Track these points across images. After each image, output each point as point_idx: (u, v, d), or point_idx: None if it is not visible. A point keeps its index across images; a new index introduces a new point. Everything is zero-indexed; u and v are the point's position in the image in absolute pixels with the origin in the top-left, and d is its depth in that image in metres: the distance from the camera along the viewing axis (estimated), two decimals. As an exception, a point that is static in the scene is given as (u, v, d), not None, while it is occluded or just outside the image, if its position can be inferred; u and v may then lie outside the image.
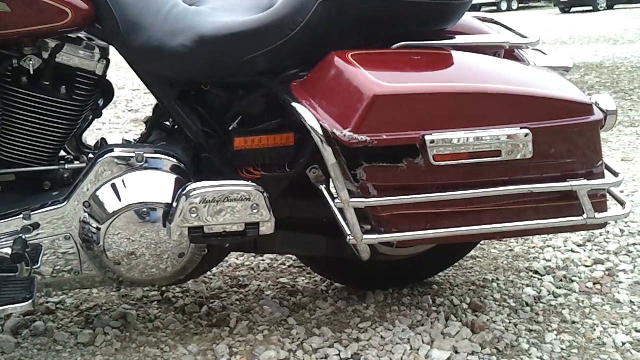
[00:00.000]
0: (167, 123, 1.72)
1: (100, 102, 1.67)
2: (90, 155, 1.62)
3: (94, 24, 1.48)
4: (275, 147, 1.61)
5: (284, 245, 1.75)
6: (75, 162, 1.63)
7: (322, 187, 1.57)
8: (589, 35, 10.37)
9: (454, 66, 1.49)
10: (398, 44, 1.53)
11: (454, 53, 1.52)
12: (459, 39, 1.60)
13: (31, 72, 1.47)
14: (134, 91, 5.71)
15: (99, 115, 1.69)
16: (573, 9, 18.66)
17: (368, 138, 1.34)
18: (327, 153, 1.39)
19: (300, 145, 1.59)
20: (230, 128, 1.61)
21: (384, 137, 1.35)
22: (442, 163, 1.39)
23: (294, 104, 1.45)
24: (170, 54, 1.48)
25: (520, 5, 23.07)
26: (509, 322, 1.76)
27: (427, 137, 1.36)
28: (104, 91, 1.65)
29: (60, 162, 1.61)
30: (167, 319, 1.82)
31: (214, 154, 1.61)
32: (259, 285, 2.04)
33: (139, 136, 1.73)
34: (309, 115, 1.40)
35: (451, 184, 1.45)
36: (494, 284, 2.00)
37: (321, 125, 1.38)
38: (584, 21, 13.65)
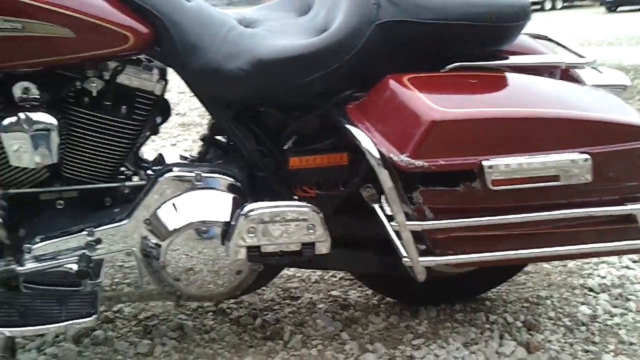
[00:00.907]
0: (223, 140, 1.75)
1: (158, 119, 1.70)
2: (149, 171, 1.66)
3: (153, 47, 1.52)
4: (329, 166, 1.63)
5: (338, 262, 1.77)
6: (134, 178, 1.67)
7: (376, 206, 1.58)
8: (637, 35, 10.12)
9: (511, 89, 1.49)
10: (453, 65, 1.53)
11: (509, 75, 1.52)
12: (514, 59, 1.60)
13: (94, 94, 1.51)
14: (180, 94, 5.76)
15: (157, 132, 1.74)
16: (620, 8, 18.20)
17: (425, 164, 1.35)
18: (384, 177, 1.41)
19: (355, 164, 1.61)
20: (285, 147, 1.64)
21: (442, 162, 1.36)
22: (500, 188, 1.39)
23: (349, 127, 1.47)
24: (228, 77, 1.50)
25: (565, 4, 22.61)
26: (565, 342, 1.76)
27: (484, 163, 1.36)
28: (162, 109, 1.69)
29: (120, 177, 1.65)
30: (222, 331, 1.86)
31: (269, 173, 1.64)
32: (311, 298, 2.06)
33: (197, 154, 1.76)
34: (365, 139, 1.42)
35: (508, 207, 1.45)
36: (548, 302, 1.98)
37: (378, 149, 1.40)
38: (631, 21, 13.30)
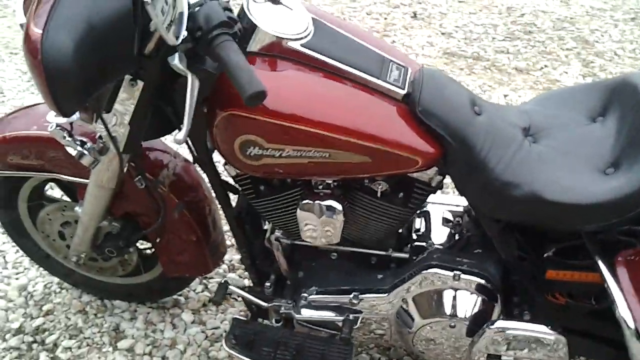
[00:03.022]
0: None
1: None
2: (415, 243, 1.83)
3: (439, 161, 1.60)
4: (585, 282, 1.67)
5: (573, 349, 1.85)
6: (399, 250, 1.84)
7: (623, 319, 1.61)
8: None
9: None
10: None
11: None
12: None
13: (379, 195, 1.67)
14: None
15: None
16: None
17: None
18: (636, 349, 1.44)
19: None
20: (545, 256, 1.70)
21: None
22: None
23: (610, 281, 1.49)
24: (504, 203, 1.55)
25: None
26: None
27: None
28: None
29: (388, 245, 1.84)
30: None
31: (523, 277, 1.73)
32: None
33: (460, 224, 1.86)
34: (624, 307, 1.45)
35: None
36: None
37: (635, 324, 1.43)
38: None
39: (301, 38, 1.52)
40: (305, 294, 1.85)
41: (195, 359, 2.15)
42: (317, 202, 1.65)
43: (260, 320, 2.05)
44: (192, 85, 1.34)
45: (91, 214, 1.89)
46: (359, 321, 1.85)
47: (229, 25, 1.30)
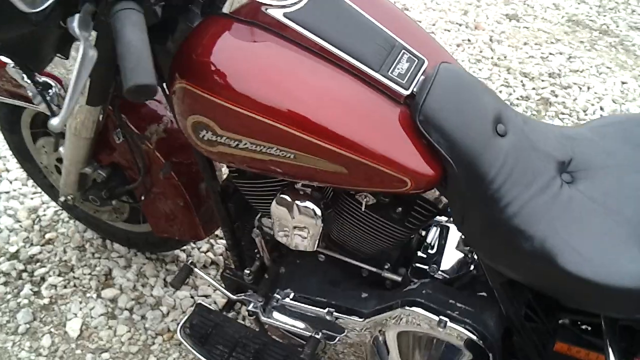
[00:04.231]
0: None
1: None
2: (411, 269, 1.53)
3: (439, 183, 1.26)
4: (599, 365, 1.32)
5: None
6: (395, 271, 1.54)
7: None
8: None
9: None
10: None
11: None
12: None
13: (363, 208, 1.37)
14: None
15: None
16: None
17: None
18: None
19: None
20: (560, 322, 1.35)
21: None
22: None
23: None
24: (506, 255, 1.22)
25: None
26: None
27: None
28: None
29: (384, 262, 1.55)
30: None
31: (526, 342, 1.39)
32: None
33: (469, 263, 1.53)
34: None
35: None
36: None
37: None
38: None
39: (285, 5, 1.21)
40: (278, 296, 1.61)
41: (173, 325, 1.99)
42: (295, 200, 1.38)
43: (238, 306, 1.84)
44: (83, 57, 1.09)
45: (71, 159, 1.72)
46: (335, 340, 1.59)
47: None
